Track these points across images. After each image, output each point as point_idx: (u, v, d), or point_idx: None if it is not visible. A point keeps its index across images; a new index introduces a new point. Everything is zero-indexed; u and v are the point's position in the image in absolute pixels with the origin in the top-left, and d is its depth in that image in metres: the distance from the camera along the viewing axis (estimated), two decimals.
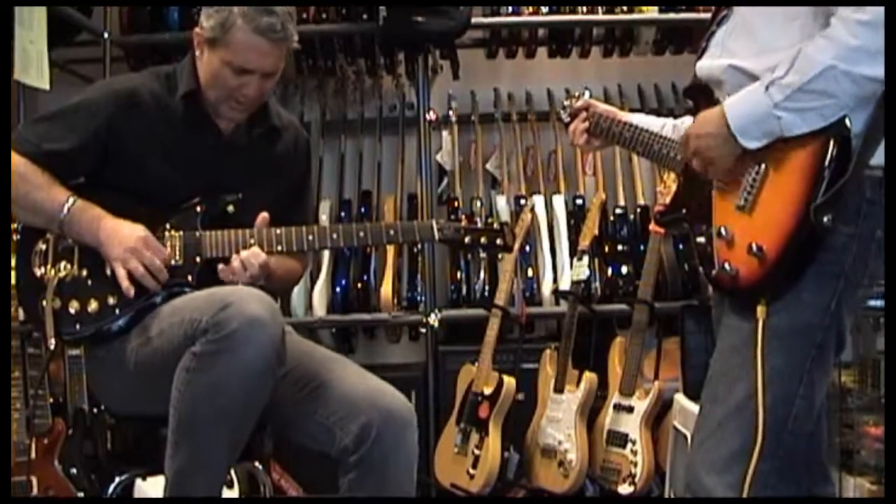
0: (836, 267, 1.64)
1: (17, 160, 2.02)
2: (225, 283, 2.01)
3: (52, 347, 2.00)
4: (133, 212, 2.05)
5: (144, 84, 2.13)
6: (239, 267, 2.02)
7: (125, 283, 1.99)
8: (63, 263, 2.05)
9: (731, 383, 1.69)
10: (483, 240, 2.16)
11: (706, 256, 1.75)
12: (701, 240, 1.77)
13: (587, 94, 2.12)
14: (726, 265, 1.68)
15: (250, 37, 2.00)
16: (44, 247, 2.07)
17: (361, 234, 2.10)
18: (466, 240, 2.15)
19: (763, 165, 1.66)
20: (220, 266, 2.04)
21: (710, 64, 1.79)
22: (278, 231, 2.07)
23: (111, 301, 2.02)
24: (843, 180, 1.58)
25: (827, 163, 1.58)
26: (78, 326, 2.03)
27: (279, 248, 2.07)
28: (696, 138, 1.72)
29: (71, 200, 2.02)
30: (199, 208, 2.10)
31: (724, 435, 1.69)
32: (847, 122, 1.58)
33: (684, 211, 1.85)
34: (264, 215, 2.07)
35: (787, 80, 1.58)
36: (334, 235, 2.11)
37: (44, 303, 2.01)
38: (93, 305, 2.03)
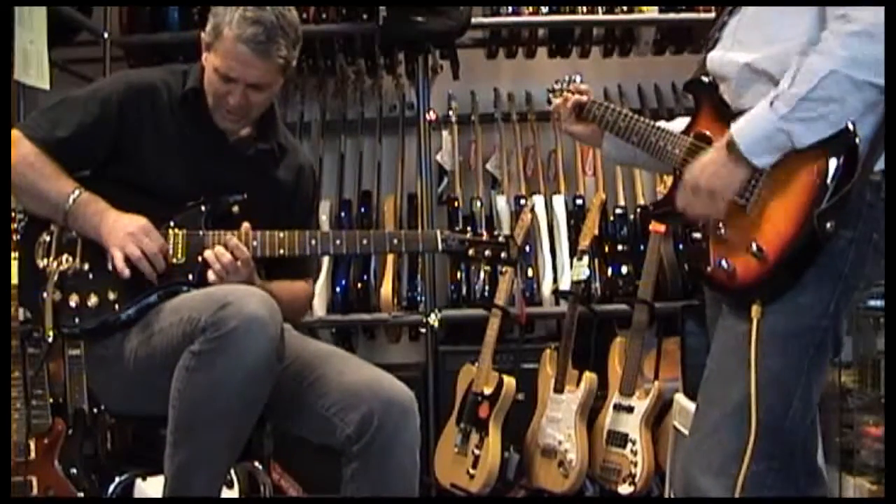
0: (835, 270, 1.63)
1: (27, 147, 2.02)
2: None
3: (50, 340, 2.00)
4: (137, 207, 2.05)
5: (161, 79, 2.13)
6: (210, 257, 2.01)
7: (120, 263, 1.97)
8: (65, 256, 2.05)
9: (728, 385, 1.69)
10: (487, 253, 2.13)
11: (702, 253, 1.74)
12: (697, 235, 1.76)
13: (578, 78, 2.08)
14: (723, 262, 1.67)
15: (234, 45, 1.99)
16: (47, 238, 2.07)
17: (364, 241, 2.09)
18: (470, 252, 2.13)
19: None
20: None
21: (720, 56, 1.78)
22: (281, 234, 2.07)
23: (111, 296, 2.02)
24: (848, 187, 1.58)
25: (833, 169, 1.58)
26: (77, 320, 2.02)
27: (281, 251, 2.06)
28: (704, 174, 1.68)
29: (77, 192, 2.02)
30: (203, 207, 2.09)
31: (721, 437, 1.68)
32: (851, 127, 1.58)
33: None
34: (247, 225, 2.06)
35: (792, 92, 1.57)
36: (337, 241, 2.09)
37: (44, 294, 2.00)
38: (93, 300, 2.02)
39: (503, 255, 2.14)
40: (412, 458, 2.01)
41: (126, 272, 1.98)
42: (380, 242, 2.11)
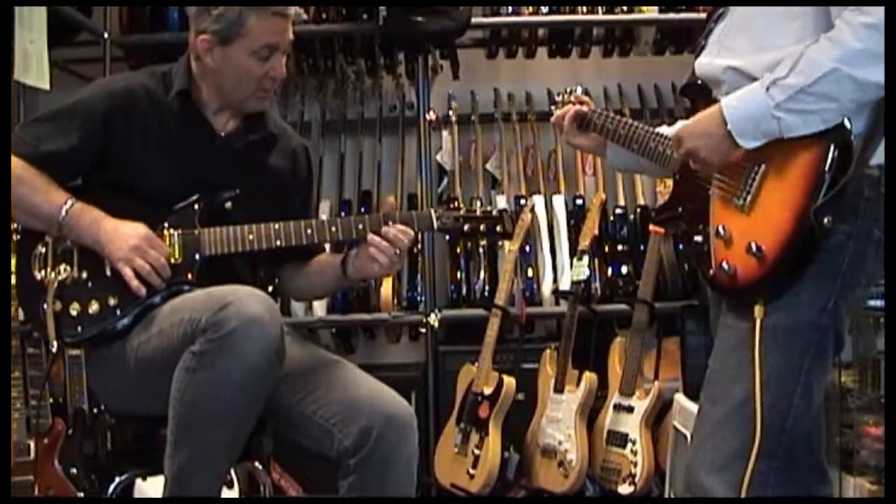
0: (833, 266, 1.63)
1: (14, 163, 2.02)
2: (227, 281, 2.00)
3: (53, 350, 2.00)
4: (131, 211, 2.05)
5: (140, 83, 2.13)
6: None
7: (134, 283, 1.99)
8: (63, 266, 2.05)
9: (730, 383, 1.69)
10: (482, 227, 2.14)
11: (703, 255, 1.75)
12: (698, 238, 1.77)
13: (579, 89, 2.10)
14: (724, 264, 1.68)
15: (268, 19, 2.04)
16: (43, 249, 2.07)
17: (360, 226, 2.09)
18: (465, 228, 2.13)
19: (763, 166, 1.66)
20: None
21: (708, 62, 1.79)
22: (276, 226, 2.07)
23: (112, 302, 2.02)
24: (843, 181, 1.58)
25: (828, 164, 1.58)
26: (79, 328, 2.03)
27: (278, 242, 2.07)
28: (690, 138, 1.71)
29: (69, 202, 2.02)
30: (196, 206, 2.09)
31: (723, 435, 1.68)
32: (847, 123, 1.58)
33: (681, 209, 1.85)
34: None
35: (789, 81, 1.57)
36: (333, 229, 2.10)
37: (45, 306, 2.01)
38: (94, 307, 2.03)
39: (498, 228, 2.15)
40: (409, 474, 2.01)
41: (143, 291, 2.00)
42: (375, 225, 2.10)
